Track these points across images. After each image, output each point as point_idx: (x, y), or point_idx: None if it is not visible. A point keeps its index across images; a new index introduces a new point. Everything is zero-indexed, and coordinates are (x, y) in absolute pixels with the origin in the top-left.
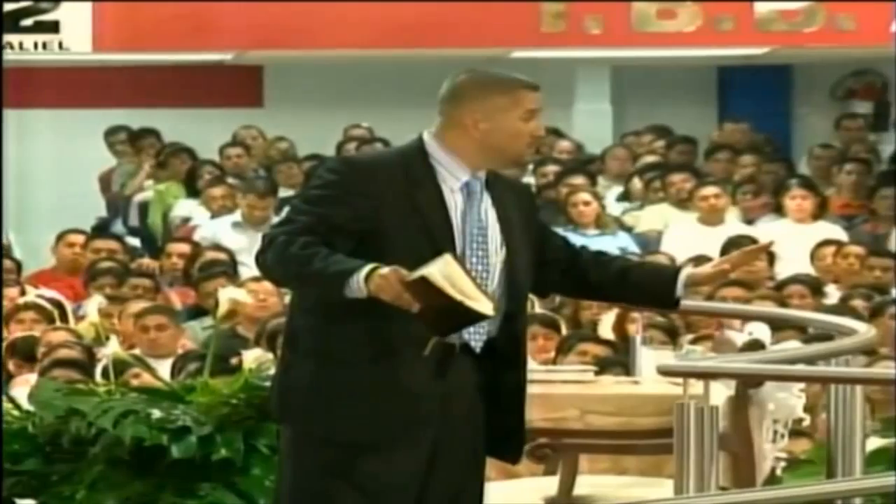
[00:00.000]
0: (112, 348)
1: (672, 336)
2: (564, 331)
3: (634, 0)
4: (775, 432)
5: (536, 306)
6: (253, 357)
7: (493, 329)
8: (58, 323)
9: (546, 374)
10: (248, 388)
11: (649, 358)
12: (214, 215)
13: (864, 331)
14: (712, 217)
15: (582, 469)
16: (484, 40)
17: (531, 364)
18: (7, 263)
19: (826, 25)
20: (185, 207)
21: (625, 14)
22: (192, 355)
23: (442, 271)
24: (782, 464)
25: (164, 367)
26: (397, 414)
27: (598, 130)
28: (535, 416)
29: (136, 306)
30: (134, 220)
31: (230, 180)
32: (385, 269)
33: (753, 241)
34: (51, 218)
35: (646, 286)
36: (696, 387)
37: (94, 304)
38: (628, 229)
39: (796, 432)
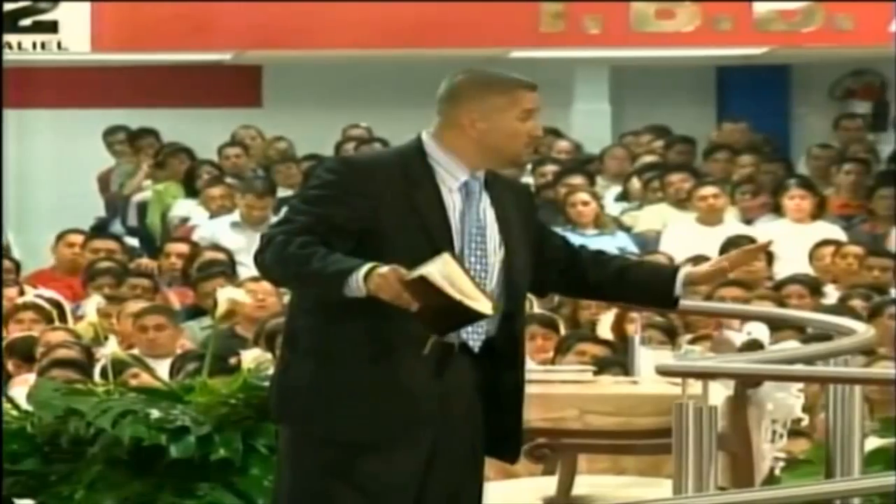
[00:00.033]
0: (111, 348)
1: (671, 336)
2: (563, 331)
3: (633, 0)
4: (774, 432)
5: (535, 306)
6: (251, 357)
7: (491, 329)
8: (56, 323)
9: (545, 374)
10: (246, 388)
11: (648, 358)
12: (213, 215)
13: (863, 331)
14: (711, 217)
15: (580, 469)
16: (483, 40)
17: (530, 364)
18: (6, 263)
19: (825, 25)
20: (183, 207)
21: (623, 14)
22: (190, 355)
23: (441, 271)
24: (781, 464)
25: (162, 367)
26: (396, 414)
27: (596, 130)
28: (533, 416)
29: (135, 306)
30: (133, 220)
31: (229, 180)
32: (384, 269)
33: (752, 241)
34: (50, 218)
35: (644, 285)
36: (695, 387)
37: (92, 304)
38: (627, 229)
39: (795, 432)
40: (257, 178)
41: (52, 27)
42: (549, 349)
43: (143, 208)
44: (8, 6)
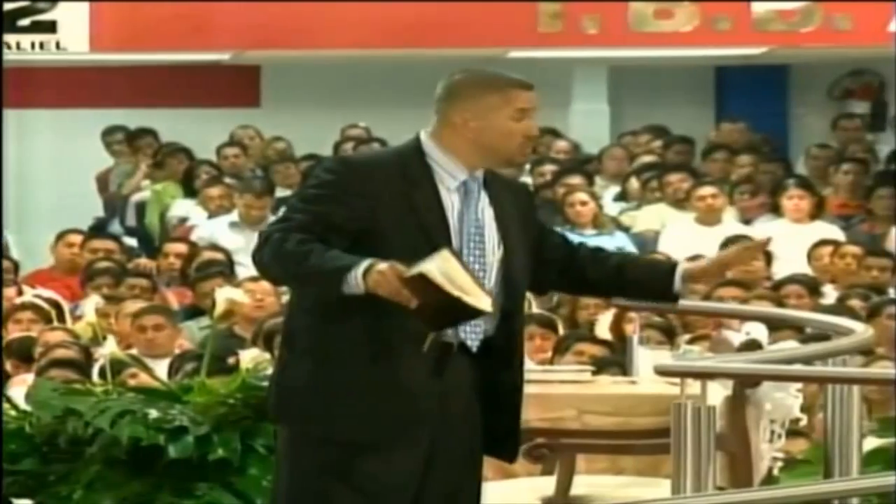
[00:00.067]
0: (109, 348)
1: (669, 336)
2: (561, 331)
3: (632, 0)
4: (772, 432)
5: (533, 306)
6: (250, 357)
7: (490, 328)
8: (55, 323)
9: (543, 374)
10: (245, 388)
11: (646, 358)
12: (211, 215)
13: (862, 331)
14: (709, 217)
15: (579, 469)
16: (481, 40)
17: (528, 364)
18: (5, 263)
19: (823, 25)
20: (182, 207)
21: (622, 14)
22: (189, 355)
23: (440, 268)
24: (779, 464)
25: (161, 367)
26: (395, 413)
27: (595, 130)
28: (532, 416)
29: (134, 306)
30: (131, 220)
31: (227, 180)
32: (383, 265)
33: (751, 241)
34: (50, 218)
35: (643, 282)
36: (694, 387)
37: (91, 304)
38: (625, 229)
39: (793, 432)
40: (256, 178)
41: (50, 27)
42: (547, 349)
43: (141, 208)
44: (6, 6)
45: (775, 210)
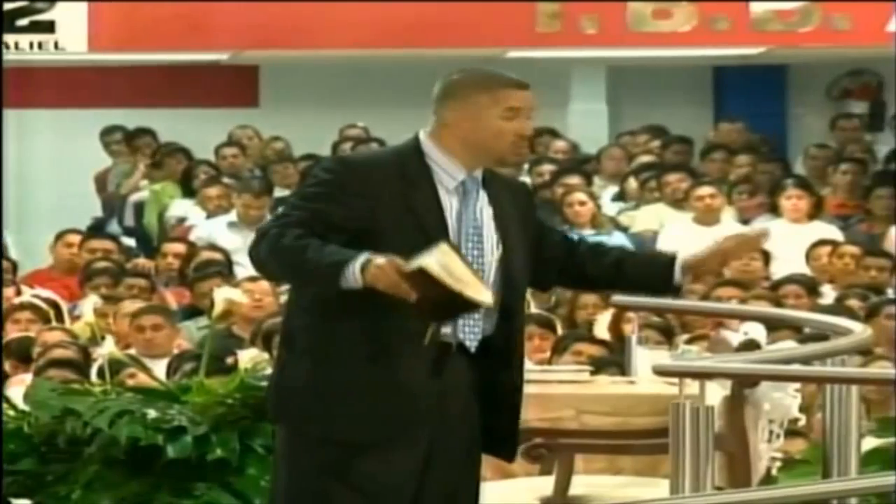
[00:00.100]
0: (108, 348)
1: (667, 336)
2: (560, 331)
3: (630, 0)
4: (771, 432)
5: (532, 306)
6: (248, 357)
7: (489, 328)
8: (53, 323)
9: (542, 374)
10: (243, 388)
11: (645, 358)
12: (210, 215)
13: (860, 331)
14: (708, 217)
15: (577, 469)
16: (479, 40)
17: (527, 364)
18: (3, 263)
19: (822, 25)
20: (180, 207)
21: (620, 14)
22: (187, 355)
23: (439, 261)
24: (778, 464)
25: (159, 367)
26: (394, 413)
27: (593, 130)
28: (530, 415)
29: (132, 306)
30: (129, 220)
31: (226, 180)
32: (381, 259)
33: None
34: (50, 218)
35: (643, 276)
36: (692, 387)
37: (89, 303)
38: (624, 229)
39: (792, 432)
40: (254, 177)
41: (49, 27)
42: (546, 349)
43: (139, 208)
44: (6, 6)
45: (774, 210)
